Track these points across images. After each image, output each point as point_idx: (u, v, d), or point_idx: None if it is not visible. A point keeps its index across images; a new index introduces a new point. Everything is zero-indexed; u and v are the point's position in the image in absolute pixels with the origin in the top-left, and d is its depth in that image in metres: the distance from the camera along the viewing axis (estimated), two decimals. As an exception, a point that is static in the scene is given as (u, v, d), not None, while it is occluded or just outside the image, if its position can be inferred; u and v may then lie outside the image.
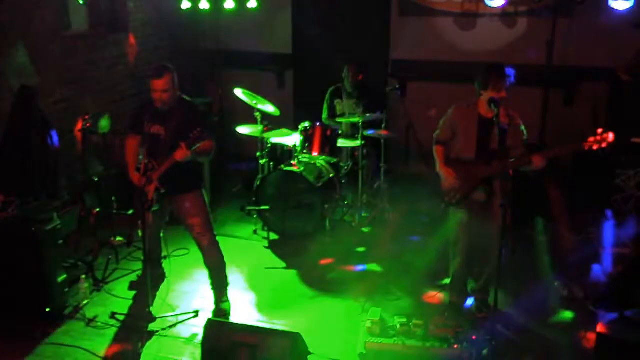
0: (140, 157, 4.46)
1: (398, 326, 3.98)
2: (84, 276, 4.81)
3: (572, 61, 6.60)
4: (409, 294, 4.81)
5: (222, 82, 7.65)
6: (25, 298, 4.31)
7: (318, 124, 5.88)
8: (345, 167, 6.13)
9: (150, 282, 4.37)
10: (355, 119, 5.88)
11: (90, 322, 4.40)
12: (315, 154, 5.78)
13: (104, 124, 5.60)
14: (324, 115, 6.60)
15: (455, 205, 4.27)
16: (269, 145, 6.12)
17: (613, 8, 5.69)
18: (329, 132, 5.86)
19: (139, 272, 5.03)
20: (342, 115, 6.42)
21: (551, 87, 6.61)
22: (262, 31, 7.77)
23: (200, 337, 3.84)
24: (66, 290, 4.55)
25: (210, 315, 4.41)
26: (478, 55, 6.67)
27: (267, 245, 5.75)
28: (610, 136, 3.75)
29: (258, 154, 6.13)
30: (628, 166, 5.72)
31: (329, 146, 5.84)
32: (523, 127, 4.20)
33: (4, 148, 5.28)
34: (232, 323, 4.27)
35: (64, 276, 4.52)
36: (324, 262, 5.37)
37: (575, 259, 5.06)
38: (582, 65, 6.62)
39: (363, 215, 6.07)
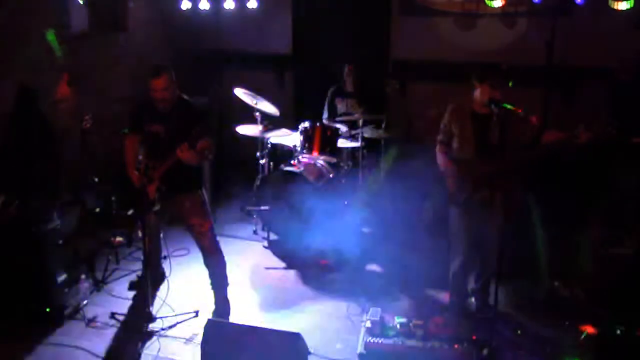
0: (140, 156, 4.46)
1: (398, 326, 3.98)
2: (84, 276, 4.81)
3: (572, 61, 6.59)
4: (409, 294, 4.81)
5: (222, 82, 7.66)
6: (25, 298, 4.30)
7: (318, 124, 5.88)
8: (346, 167, 6.13)
9: (150, 282, 4.36)
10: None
11: (90, 322, 4.40)
12: (315, 154, 5.78)
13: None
14: (324, 115, 6.60)
15: (461, 206, 4.24)
16: (269, 145, 6.12)
17: (613, 8, 5.69)
18: (329, 132, 5.86)
19: (139, 272, 5.02)
20: (343, 114, 6.42)
21: (551, 87, 6.61)
22: (262, 31, 7.77)
23: (200, 337, 3.83)
24: (66, 290, 4.54)
25: (210, 315, 4.42)
26: (478, 55, 6.67)
27: (267, 245, 5.75)
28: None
29: (258, 154, 6.13)
30: (628, 166, 5.71)
31: (329, 146, 5.84)
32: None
33: (4, 148, 5.28)
34: (232, 323, 4.27)
35: (64, 276, 4.52)
36: (324, 262, 5.37)
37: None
38: (582, 65, 6.61)
39: (363, 215, 6.07)
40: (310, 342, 3.84)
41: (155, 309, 4.43)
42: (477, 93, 4.11)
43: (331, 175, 5.77)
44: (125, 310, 4.57)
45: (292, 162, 5.76)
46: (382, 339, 3.91)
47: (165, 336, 4.23)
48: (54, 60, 5.72)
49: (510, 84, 4.09)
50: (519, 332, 4.17)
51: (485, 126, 4.07)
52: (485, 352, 3.80)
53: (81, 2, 6.04)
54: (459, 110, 4.25)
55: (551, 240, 5.40)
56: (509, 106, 3.96)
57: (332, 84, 6.66)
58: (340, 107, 6.59)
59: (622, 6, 5.59)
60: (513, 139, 4.01)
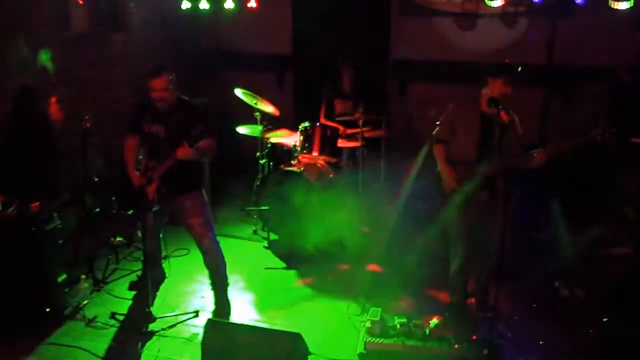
0: (140, 157, 4.46)
1: (398, 326, 3.98)
2: (84, 276, 4.81)
3: (572, 61, 6.60)
4: (409, 294, 4.81)
5: (222, 82, 7.66)
6: (25, 298, 4.30)
7: (318, 124, 5.89)
8: (345, 167, 6.14)
9: (150, 282, 4.36)
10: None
11: (90, 322, 4.40)
12: (315, 154, 5.78)
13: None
14: (321, 113, 6.60)
15: (458, 206, 4.23)
16: (269, 145, 6.12)
17: (613, 8, 5.69)
18: (329, 132, 5.85)
19: (139, 272, 5.02)
20: (341, 114, 6.43)
21: (551, 87, 6.61)
22: (262, 31, 7.77)
23: (200, 337, 3.84)
24: (66, 290, 4.54)
25: (210, 315, 4.42)
26: (478, 55, 6.67)
27: (267, 245, 5.75)
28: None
29: (258, 154, 6.13)
30: (628, 166, 5.71)
31: (329, 146, 5.84)
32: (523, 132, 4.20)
33: (4, 148, 5.28)
34: (232, 323, 4.27)
35: (64, 276, 4.51)
36: (323, 262, 5.37)
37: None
38: (582, 65, 6.62)
39: (363, 215, 6.07)
40: (310, 342, 3.85)
41: (155, 309, 4.43)
42: (488, 89, 4.10)
43: (331, 175, 5.78)
44: (125, 310, 4.57)
45: (292, 162, 5.76)
46: (382, 339, 3.91)
47: (165, 336, 4.22)
48: (53, 63, 5.75)
49: (519, 69, 4.10)
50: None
51: (491, 128, 4.04)
52: (485, 352, 3.80)
53: (81, 2, 6.04)
54: (466, 109, 4.22)
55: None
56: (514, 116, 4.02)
57: (331, 84, 6.66)
58: (338, 107, 6.59)
59: (622, 6, 5.58)
60: (511, 142, 4.03)
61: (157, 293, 4.75)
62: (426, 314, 4.26)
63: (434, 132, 4.37)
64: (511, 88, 4.03)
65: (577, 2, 5.99)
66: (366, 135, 6.12)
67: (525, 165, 4.05)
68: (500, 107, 3.93)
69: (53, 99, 5.64)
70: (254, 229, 6.04)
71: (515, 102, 4.28)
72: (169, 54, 7.21)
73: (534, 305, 4.53)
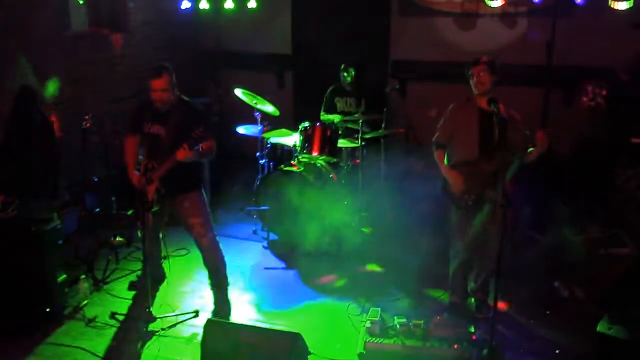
0: (140, 157, 4.46)
1: (398, 326, 3.98)
2: (83, 276, 4.81)
3: (572, 61, 6.59)
4: (408, 294, 4.81)
5: (222, 82, 7.67)
6: (25, 298, 4.30)
7: (318, 124, 5.88)
8: (345, 167, 6.13)
9: (149, 282, 4.36)
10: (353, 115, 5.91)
11: (90, 322, 4.40)
12: (315, 154, 5.78)
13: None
14: (322, 110, 6.60)
15: (471, 207, 4.22)
16: (269, 145, 6.12)
17: (613, 8, 5.68)
18: (329, 132, 5.85)
19: (139, 272, 5.03)
20: (342, 113, 6.42)
21: (551, 87, 6.61)
22: (262, 31, 7.77)
23: (200, 337, 3.84)
24: (66, 290, 4.55)
25: (210, 315, 4.42)
26: (478, 56, 6.66)
27: (266, 245, 5.75)
28: (604, 91, 3.78)
29: (258, 154, 6.13)
30: (628, 166, 5.71)
31: (329, 146, 5.84)
32: (528, 132, 4.19)
33: (4, 148, 5.28)
34: (232, 323, 4.27)
35: (64, 276, 4.52)
36: (323, 261, 5.37)
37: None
38: (582, 65, 6.61)
39: (363, 215, 6.07)
40: (310, 342, 3.85)
41: (155, 309, 4.43)
42: (473, 88, 4.14)
43: (331, 176, 5.77)
44: (125, 310, 4.57)
45: (292, 162, 5.76)
46: (382, 339, 3.91)
47: (165, 336, 4.23)
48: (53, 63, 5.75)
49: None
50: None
51: (490, 124, 4.04)
52: (485, 352, 3.80)
53: (81, 2, 6.04)
54: (463, 108, 4.23)
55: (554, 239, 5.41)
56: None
57: (332, 84, 6.67)
58: (339, 105, 6.59)
59: (622, 6, 5.58)
60: (511, 139, 4.03)
61: (157, 293, 4.75)
62: (426, 314, 4.26)
63: (433, 138, 4.37)
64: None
65: (577, 2, 5.99)
66: (366, 135, 6.12)
67: (527, 156, 4.06)
68: (496, 102, 3.96)
69: (52, 113, 5.67)
70: (254, 228, 6.04)
71: (515, 102, 4.28)
72: (169, 54, 7.21)
73: (547, 312, 4.52)
